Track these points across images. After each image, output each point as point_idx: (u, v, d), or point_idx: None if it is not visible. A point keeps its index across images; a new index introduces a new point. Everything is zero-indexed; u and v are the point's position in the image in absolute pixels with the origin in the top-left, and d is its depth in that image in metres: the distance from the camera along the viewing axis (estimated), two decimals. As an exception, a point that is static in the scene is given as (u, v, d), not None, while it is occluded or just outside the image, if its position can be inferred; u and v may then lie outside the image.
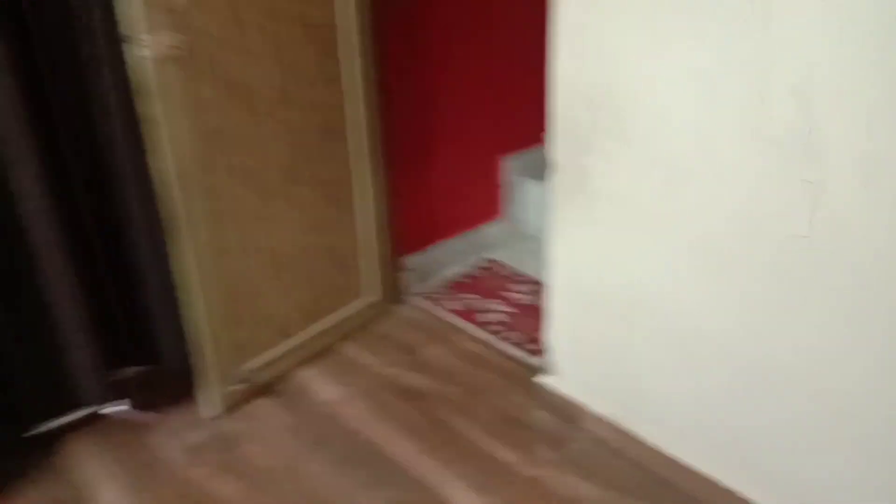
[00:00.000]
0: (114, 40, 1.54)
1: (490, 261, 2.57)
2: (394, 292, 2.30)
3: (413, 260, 2.42)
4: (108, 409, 1.83)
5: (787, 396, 1.33)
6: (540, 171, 2.71)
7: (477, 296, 2.36)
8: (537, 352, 2.05)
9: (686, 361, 1.48)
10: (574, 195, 1.56)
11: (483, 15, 2.36)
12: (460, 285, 2.43)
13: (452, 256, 2.57)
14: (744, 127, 1.24)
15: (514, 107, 2.59)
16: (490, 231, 2.67)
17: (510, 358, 2.04)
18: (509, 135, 2.64)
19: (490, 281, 2.45)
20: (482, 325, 2.20)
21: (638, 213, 1.45)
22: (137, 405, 1.85)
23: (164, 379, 1.89)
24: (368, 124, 2.01)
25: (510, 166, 2.65)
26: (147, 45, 1.47)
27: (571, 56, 1.44)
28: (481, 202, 2.65)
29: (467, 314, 2.26)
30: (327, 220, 2.00)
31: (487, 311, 2.28)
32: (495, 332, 2.16)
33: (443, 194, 2.48)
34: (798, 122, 1.17)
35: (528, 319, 2.21)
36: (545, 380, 1.86)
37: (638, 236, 1.47)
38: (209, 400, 1.82)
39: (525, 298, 2.33)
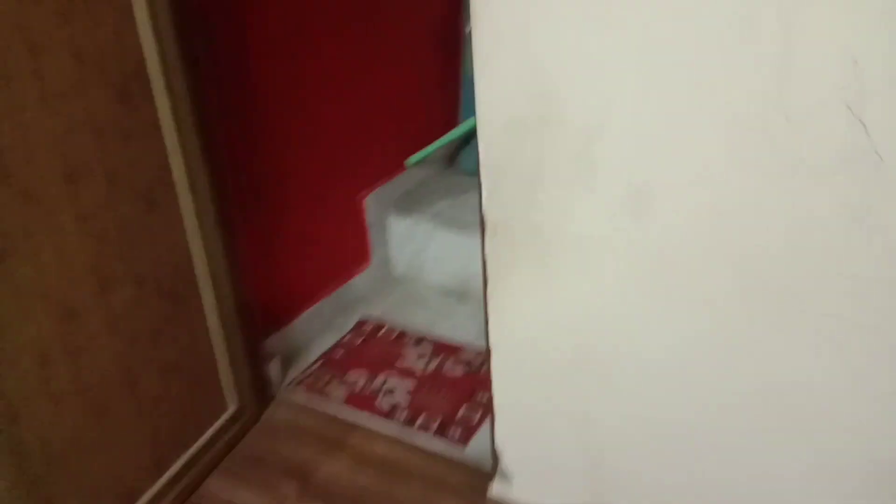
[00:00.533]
0: None
1: (368, 321, 2.12)
2: (262, 393, 1.78)
3: (277, 341, 1.91)
4: None
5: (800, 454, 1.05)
6: (402, 202, 2.30)
7: (365, 371, 1.90)
8: (466, 435, 1.65)
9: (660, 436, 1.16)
10: (520, 255, 1.16)
11: (328, 34, 1.89)
12: (342, 361, 1.96)
13: (323, 324, 2.08)
14: (765, 153, 0.91)
15: (371, 136, 2.15)
16: (360, 283, 2.22)
17: (435, 456, 1.61)
18: (368, 169, 2.19)
19: (375, 347, 2.00)
20: (385, 413, 1.75)
21: (620, 260, 1.08)
22: None
23: None
24: (198, 187, 1.47)
25: (372, 204, 2.20)
26: None
27: (508, 63, 1.03)
28: (347, 251, 2.19)
29: (361, 400, 1.80)
30: (163, 324, 1.45)
31: (385, 390, 1.83)
32: (406, 421, 1.72)
33: (302, 252, 1.98)
34: (851, 143, 0.86)
35: (438, 392, 1.80)
36: (497, 489, 1.46)
37: (621, 288, 1.11)
38: None
39: (422, 363, 1.91)
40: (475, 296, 2.17)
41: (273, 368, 1.85)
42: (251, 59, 1.71)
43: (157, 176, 1.39)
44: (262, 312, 1.84)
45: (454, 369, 1.89)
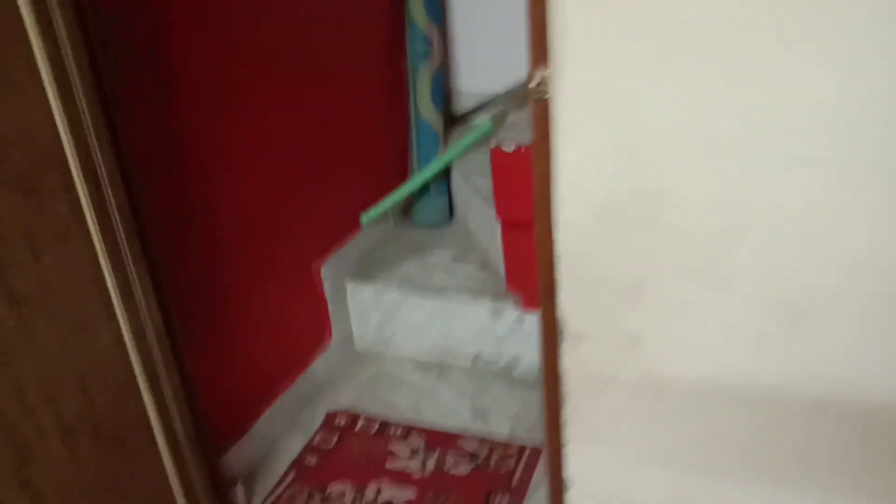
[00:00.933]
0: None
1: (338, 412, 1.79)
2: (230, 530, 1.42)
3: (237, 455, 1.56)
4: None
5: None
6: (362, 267, 1.99)
7: (350, 482, 1.58)
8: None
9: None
10: (603, 384, 0.88)
11: (263, 87, 1.57)
12: (318, 471, 1.62)
13: (287, 423, 1.74)
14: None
15: (321, 194, 1.84)
16: (322, 366, 1.89)
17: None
18: (321, 232, 1.88)
19: (355, 447, 1.67)
20: (387, 536, 1.44)
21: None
22: None
23: None
24: (136, 298, 1.13)
25: (329, 272, 1.89)
26: None
27: (604, 140, 0.77)
28: (304, 331, 1.85)
29: (354, 523, 1.47)
30: (103, 478, 1.08)
31: (380, 505, 1.51)
32: (415, 547, 1.41)
33: (253, 341, 1.64)
34: None
35: (447, 501, 1.50)
36: None
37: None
38: None
39: (417, 463, 1.61)
40: (459, 369, 1.89)
41: (238, 495, 1.49)
42: (178, 124, 1.38)
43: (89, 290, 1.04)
44: (215, 425, 1.48)
45: (458, 466, 1.60)
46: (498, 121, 2.01)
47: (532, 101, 0.76)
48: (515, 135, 1.62)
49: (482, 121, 2.04)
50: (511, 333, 1.82)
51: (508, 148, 1.54)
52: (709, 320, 0.80)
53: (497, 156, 1.56)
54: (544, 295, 0.89)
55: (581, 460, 0.95)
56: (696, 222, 0.75)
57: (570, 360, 0.87)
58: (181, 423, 1.29)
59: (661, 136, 0.73)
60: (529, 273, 1.73)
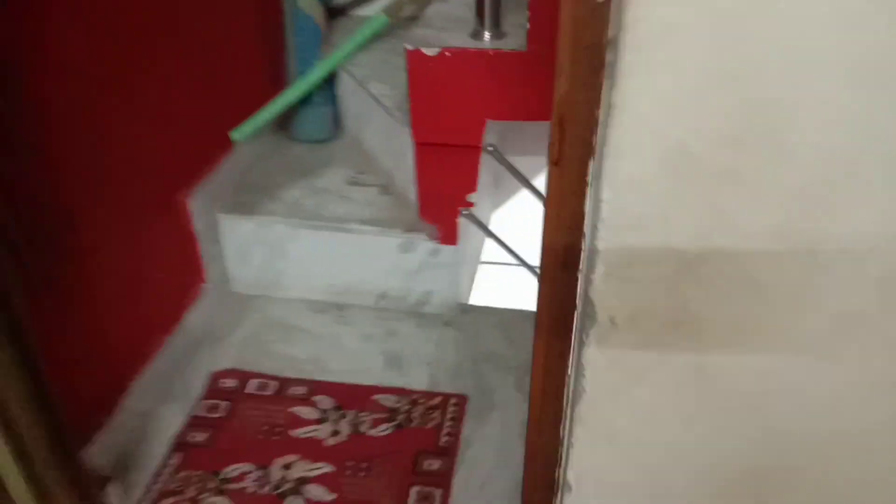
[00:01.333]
0: None
1: (226, 374, 1.50)
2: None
3: (105, 442, 1.25)
4: None
5: None
6: (239, 196, 1.65)
7: (251, 462, 1.32)
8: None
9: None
10: (636, 378, 0.68)
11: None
12: (209, 450, 1.34)
13: (163, 393, 1.43)
14: None
15: (180, 112, 1.46)
16: (198, 318, 1.57)
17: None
18: (185, 157, 1.51)
19: (251, 415, 1.41)
20: (306, 525, 1.21)
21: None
22: None
23: None
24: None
25: (199, 204, 1.54)
26: None
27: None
28: (172, 280, 1.52)
29: (263, 511, 1.23)
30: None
31: (290, 489, 1.28)
32: (342, 534, 1.20)
33: (109, 301, 1.30)
34: None
35: (370, 472, 1.29)
36: None
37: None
38: None
39: (328, 429, 1.38)
40: (362, 309, 1.65)
41: (111, 496, 1.19)
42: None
43: None
44: (70, 412, 1.16)
45: (376, 427, 1.39)
46: (392, 13, 1.69)
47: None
48: (432, 33, 1.33)
49: (375, 13, 1.71)
50: (423, 268, 1.59)
51: (431, 51, 1.26)
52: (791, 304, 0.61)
53: (415, 60, 1.27)
54: (553, 265, 0.66)
55: (590, 463, 0.76)
56: (804, 175, 0.55)
57: (597, 351, 0.66)
58: (25, 421, 0.97)
59: (776, 56, 0.51)
60: (446, 201, 1.49)
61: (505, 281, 2.16)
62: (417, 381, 1.49)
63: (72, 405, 1.13)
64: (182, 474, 1.29)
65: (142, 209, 1.37)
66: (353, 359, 1.54)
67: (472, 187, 1.45)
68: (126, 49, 1.25)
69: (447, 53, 1.25)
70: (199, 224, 1.54)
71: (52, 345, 1.08)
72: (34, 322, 0.96)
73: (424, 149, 1.42)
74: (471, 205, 1.48)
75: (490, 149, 1.40)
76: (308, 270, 1.65)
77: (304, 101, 1.77)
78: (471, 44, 1.26)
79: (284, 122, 1.83)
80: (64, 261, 1.15)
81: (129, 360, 1.37)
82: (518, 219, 2.00)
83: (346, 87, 1.79)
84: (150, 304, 1.43)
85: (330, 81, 1.79)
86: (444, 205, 1.49)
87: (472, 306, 1.69)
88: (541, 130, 0.67)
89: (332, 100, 1.84)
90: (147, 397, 1.39)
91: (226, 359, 1.53)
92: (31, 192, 1.07)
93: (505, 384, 1.49)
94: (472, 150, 1.39)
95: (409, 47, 1.26)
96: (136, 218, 1.35)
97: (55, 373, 1.07)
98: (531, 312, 1.80)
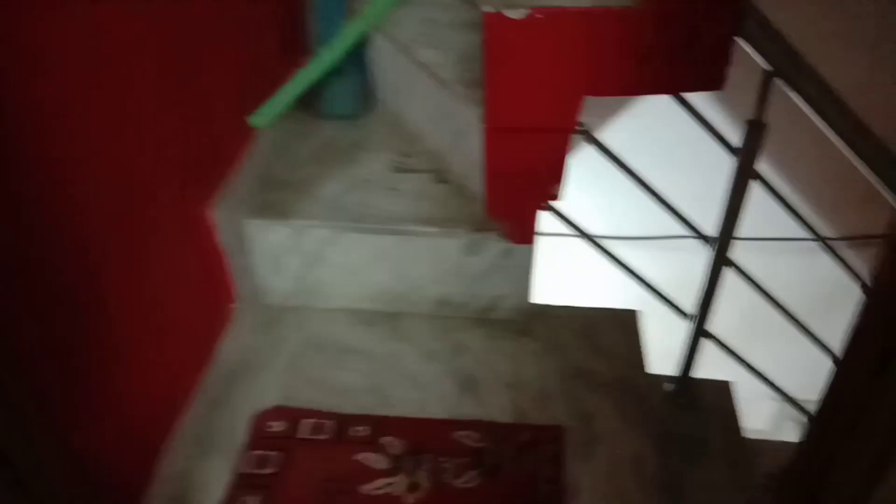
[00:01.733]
0: None
1: (269, 412, 1.26)
2: None
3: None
4: None
5: None
6: (267, 194, 1.36)
7: (316, 525, 1.09)
8: None
9: None
10: None
11: None
12: (264, 516, 1.11)
13: (200, 451, 1.19)
14: None
15: (199, 105, 1.18)
16: (232, 345, 1.32)
17: None
18: (204, 152, 1.23)
19: (308, 468, 1.18)
20: None
21: None
22: None
23: None
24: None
25: (222, 211, 1.27)
26: None
27: None
28: (202, 305, 1.26)
29: None
30: None
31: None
32: None
33: (135, 343, 1.05)
34: None
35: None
36: None
37: None
38: None
39: (404, 482, 1.15)
40: (418, 318, 1.41)
41: None
42: None
43: None
44: (103, 486, 0.93)
45: (461, 474, 1.16)
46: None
47: None
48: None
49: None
50: (492, 271, 1.34)
51: (516, 13, 0.97)
52: None
53: (494, 26, 0.99)
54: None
55: None
56: None
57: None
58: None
59: None
60: (524, 194, 1.22)
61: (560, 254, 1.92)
62: (499, 409, 1.26)
63: (103, 483, 0.90)
64: (237, 555, 1.06)
65: (158, 232, 1.10)
66: (419, 384, 1.30)
67: (558, 177, 1.18)
68: (119, 38, 0.96)
69: (538, 15, 0.97)
70: (224, 236, 1.28)
71: (77, 416, 0.83)
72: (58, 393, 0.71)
73: (499, 133, 1.14)
74: (555, 198, 1.21)
75: (581, 130, 1.13)
76: (353, 277, 1.39)
77: (333, 70, 1.47)
78: (567, 1, 0.97)
79: (309, 97, 1.54)
80: (83, 315, 0.90)
81: (162, 415, 1.13)
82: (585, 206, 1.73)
83: (382, 52, 1.50)
84: (178, 343, 1.18)
85: (361, 45, 1.49)
86: (521, 198, 1.23)
87: (545, 307, 1.44)
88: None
89: (364, 67, 1.54)
90: (185, 454, 1.15)
91: (269, 394, 1.28)
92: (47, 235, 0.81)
93: (603, 408, 1.26)
94: (559, 133, 1.12)
95: (489, 9, 0.97)
96: (153, 245, 1.08)
97: (82, 448, 0.83)
98: (618, 311, 1.50)
